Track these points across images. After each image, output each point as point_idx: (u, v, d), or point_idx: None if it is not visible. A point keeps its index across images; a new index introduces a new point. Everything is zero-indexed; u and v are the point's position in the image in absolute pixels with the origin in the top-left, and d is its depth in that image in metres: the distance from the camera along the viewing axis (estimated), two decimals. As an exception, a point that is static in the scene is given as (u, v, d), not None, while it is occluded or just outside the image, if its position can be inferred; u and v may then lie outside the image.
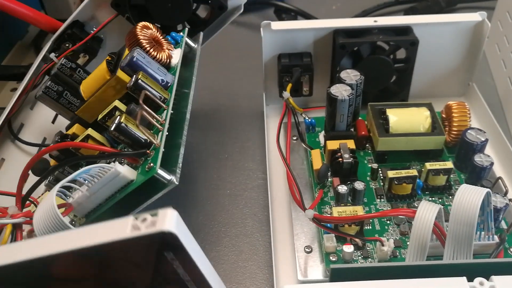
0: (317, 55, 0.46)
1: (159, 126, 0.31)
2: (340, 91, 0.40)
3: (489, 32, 0.44)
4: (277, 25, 0.45)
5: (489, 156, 0.38)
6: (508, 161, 0.41)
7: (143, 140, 0.31)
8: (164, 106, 0.33)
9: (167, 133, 0.31)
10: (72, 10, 0.61)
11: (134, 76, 0.33)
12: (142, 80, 0.33)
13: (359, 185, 0.38)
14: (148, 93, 0.32)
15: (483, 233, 0.34)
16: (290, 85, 0.43)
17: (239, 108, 0.52)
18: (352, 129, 0.42)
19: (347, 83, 0.40)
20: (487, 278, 0.25)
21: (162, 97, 0.33)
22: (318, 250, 0.36)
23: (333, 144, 0.40)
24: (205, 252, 0.39)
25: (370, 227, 0.37)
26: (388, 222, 0.38)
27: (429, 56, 0.46)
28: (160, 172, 0.29)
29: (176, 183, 0.29)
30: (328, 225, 0.35)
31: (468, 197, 0.30)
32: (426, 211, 0.30)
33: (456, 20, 0.45)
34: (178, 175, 0.29)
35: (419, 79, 0.47)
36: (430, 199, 0.39)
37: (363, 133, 0.42)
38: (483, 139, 0.39)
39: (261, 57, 0.46)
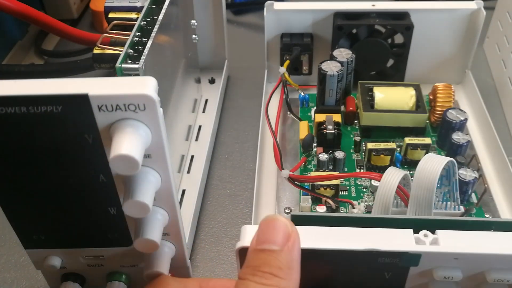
0: (318, 36, 0.49)
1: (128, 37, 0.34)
2: (330, 67, 0.43)
3: (489, 32, 0.44)
4: (279, 5, 0.47)
5: (467, 134, 0.41)
6: (494, 150, 0.43)
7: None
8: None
9: (136, 39, 0.34)
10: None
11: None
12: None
13: (339, 154, 0.41)
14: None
15: (449, 203, 0.36)
16: (287, 61, 0.47)
17: (239, 108, 0.52)
18: (343, 106, 0.46)
19: (338, 61, 0.44)
20: (433, 232, 0.27)
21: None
22: (296, 212, 0.39)
23: (320, 117, 0.43)
24: (205, 252, 0.39)
25: (346, 193, 0.40)
26: (364, 190, 0.41)
27: (426, 42, 0.48)
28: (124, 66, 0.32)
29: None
30: (306, 186, 0.39)
31: (431, 164, 0.32)
32: (392, 175, 0.33)
33: (453, 7, 0.47)
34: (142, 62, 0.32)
35: (416, 64, 0.49)
36: (409, 172, 0.40)
37: (351, 108, 0.45)
38: (462, 118, 0.41)
39: (264, 36, 0.49)
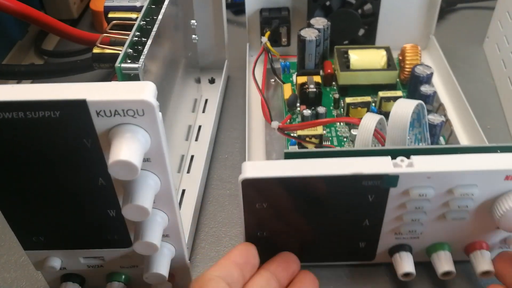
0: (295, 9, 0.53)
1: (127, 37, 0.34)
2: (309, 33, 0.47)
3: (489, 32, 0.45)
4: None
5: (433, 86, 0.46)
6: (457, 100, 0.48)
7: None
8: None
9: (135, 39, 0.34)
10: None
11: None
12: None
13: (321, 109, 0.45)
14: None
15: (420, 143, 0.40)
16: (268, 32, 0.51)
17: (239, 108, 0.52)
18: (321, 71, 0.50)
19: (315, 28, 0.48)
20: (408, 158, 0.31)
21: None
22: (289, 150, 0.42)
23: (302, 79, 0.47)
24: (205, 252, 0.39)
25: (329, 143, 0.45)
26: (344, 139, 0.45)
27: (393, 11, 0.53)
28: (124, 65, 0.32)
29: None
30: (292, 134, 0.43)
31: (403, 106, 0.36)
32: (369, 119, 0.36)
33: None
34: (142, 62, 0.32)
35: (385, 32, 0.54)
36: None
37: (329, 71, 0.50)
38: (428, 72, 0.46)
39: (245, 10, 0.53)
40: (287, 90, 0.48)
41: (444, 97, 0.50)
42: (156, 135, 0.24)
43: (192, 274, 0.36)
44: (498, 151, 0.32)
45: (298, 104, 0.48)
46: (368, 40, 0.54)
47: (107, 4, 0.38)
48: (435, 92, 0.45)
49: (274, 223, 0.34)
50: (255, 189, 0.32)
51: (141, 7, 0.37)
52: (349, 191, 0.32)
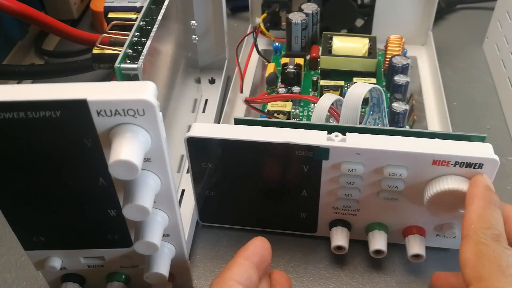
0: None
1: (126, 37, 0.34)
2: (296, 17, 0.50)
3: (488, 32, 0.44)
4: None
5: (407, 76, 0.46)
6: (440, 108, 0.47)
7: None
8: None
9: (135, 39, 0.34)
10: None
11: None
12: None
13: (295, 88, 0.47)
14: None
15: None
16: (264, 14, 0.53)
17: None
18: (309, 56, 0.52)
19: (304, 12, 0.50)
20: (344, 134, 0.33)
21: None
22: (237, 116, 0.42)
23: (285, 60, 0.49)
24: (205, 252, 0.39)
25: (299, 121, 0.46)
26: None
27: (390, 5, 0.54)
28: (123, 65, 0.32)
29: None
30: (259, 107, 0.45)
31: (357, 88, 0.37)
32: (326, 98, 0.38)
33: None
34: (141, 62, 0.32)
35: (383, 27, 0.55)
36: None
37: (313, 55, 0.51)
38: (404, 63, 0.47)
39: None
40: (270, 69, 0.50)
41: (429, 91, 0.50)
42: (156, 135, 0.25)
43: (192, 274, 0.36)
44: (437, 138, 0.33)
45: (279, 83, 0.49)
46: (365, 32, 0.55)
47: (107, 4, 0.38)
48: (408, 83, 0.46)
49: (220, 184, 0.36)
50: (199, 148, 0.34)
51: (141, 7, 0.37)
52: (285, 160, 0.34)
